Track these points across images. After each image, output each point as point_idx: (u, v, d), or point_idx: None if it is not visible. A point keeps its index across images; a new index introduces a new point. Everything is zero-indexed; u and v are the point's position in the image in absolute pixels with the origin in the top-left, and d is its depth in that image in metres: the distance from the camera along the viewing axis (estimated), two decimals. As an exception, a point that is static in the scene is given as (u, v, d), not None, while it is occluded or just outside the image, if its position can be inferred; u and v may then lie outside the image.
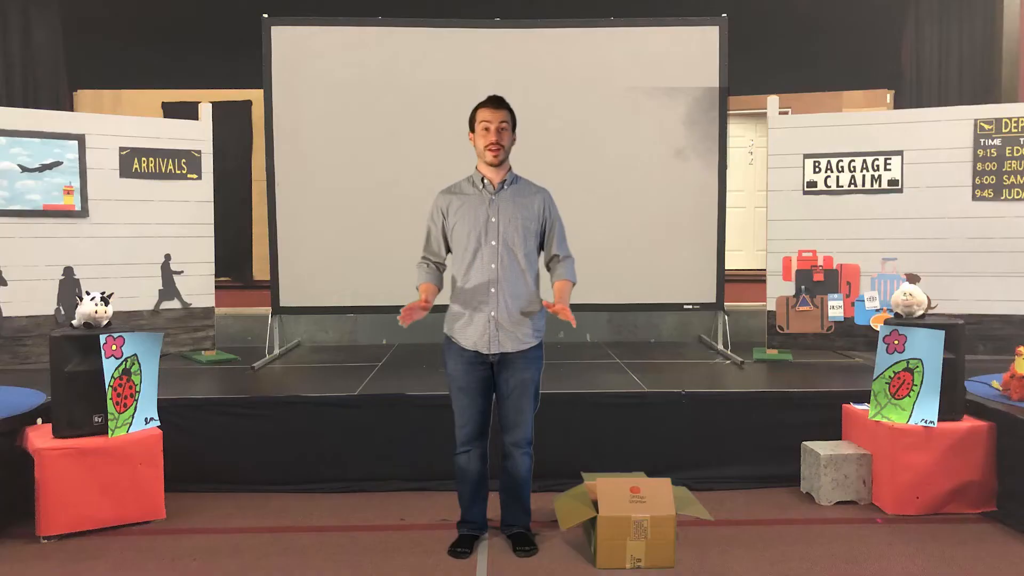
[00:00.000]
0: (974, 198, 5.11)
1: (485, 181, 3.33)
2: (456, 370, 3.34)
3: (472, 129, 3.34)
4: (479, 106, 3.33)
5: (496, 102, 3.31)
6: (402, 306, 3.14)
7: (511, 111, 3.34)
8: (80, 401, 3.63)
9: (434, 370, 4.84)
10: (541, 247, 3.40)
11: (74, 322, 3.79)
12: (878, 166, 5.25)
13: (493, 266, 3.26)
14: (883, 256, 5.24)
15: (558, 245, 3.40)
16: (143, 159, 5.26)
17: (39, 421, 3.85)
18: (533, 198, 3.36)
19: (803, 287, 5.37)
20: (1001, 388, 4.06)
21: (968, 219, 5.11)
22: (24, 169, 4.91)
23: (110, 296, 3.82)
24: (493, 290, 3.26)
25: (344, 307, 5.82)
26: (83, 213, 5.07)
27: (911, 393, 3.83)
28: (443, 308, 3.39)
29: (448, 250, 3.40)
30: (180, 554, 3.41)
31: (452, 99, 5.57)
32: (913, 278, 4.02)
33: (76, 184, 5.05)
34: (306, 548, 3.48)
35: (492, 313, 3.26)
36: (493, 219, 3.28)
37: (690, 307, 5.80)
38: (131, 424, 3.73)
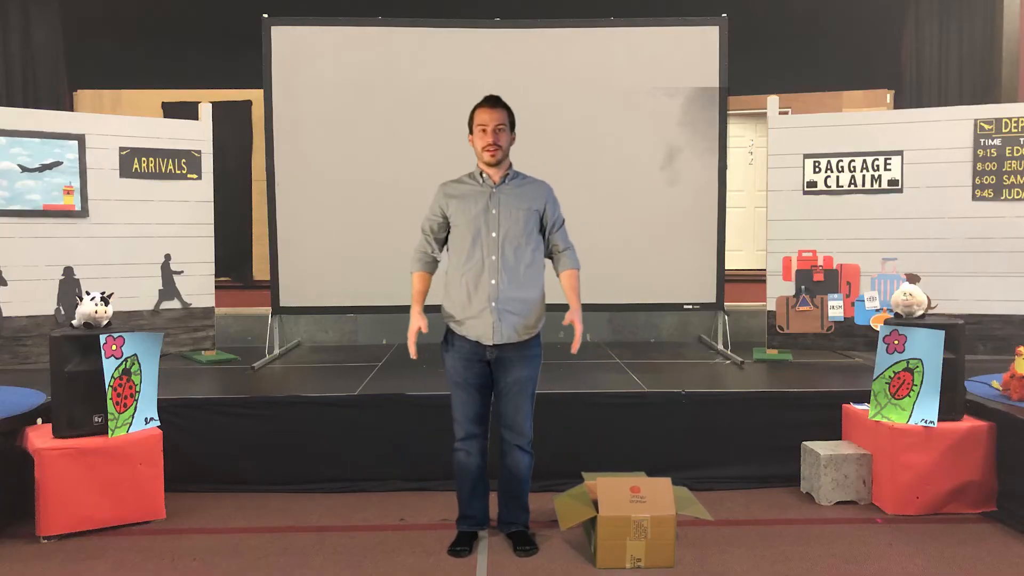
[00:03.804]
0: (974, 198, 5.11)
1: (485, 176, 3.38)
2: (454, 367, 3.36)
3: (471, 131, 3.38)
4: (476, 107, 3.38)
5: (493, 102, 3.36)
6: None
7: (509, 111, 3.38)
8: (80, 401, 3.63)
9: (434, 370, 4.81)
10: (542, 238, 3.43)
11: (74, 322, 3.79)
12: (878, 166, 5.25)
13: (493, 258, 3.29)
14: (883, 256, 5.24)
15: (560, 236, 3.44)
16: (143, 159, 5.26)
17: (39, 421, 3.85)
18: (534, 190, 3.41)
19: (803, 287, 5.37)
20: (1001, 388, 4.06)
21: (968, 219, 5.11)
22: (24, 169, 4.91)
23: (110, 296, 3.82)
24: (494, 281, 3.28)
25: (344, 307, 5.82)
26: (83, 213, 5.07)
27: (911, 393, 3.83)
28: (437, 308, 3.39)
29: (445, 240, 3.44)
30: (180, 554, 3.41)
31: (452, 99, 5.56)
32: (913, 278, 4.01)
33: (76, 184, 5.05)
34: (306, 548, 3.48)
35: (493, 304, 3.27)
36: (494, 211, 3.32)
37: (690, 307, 5.80)
38: (131, 424, 3.73)
